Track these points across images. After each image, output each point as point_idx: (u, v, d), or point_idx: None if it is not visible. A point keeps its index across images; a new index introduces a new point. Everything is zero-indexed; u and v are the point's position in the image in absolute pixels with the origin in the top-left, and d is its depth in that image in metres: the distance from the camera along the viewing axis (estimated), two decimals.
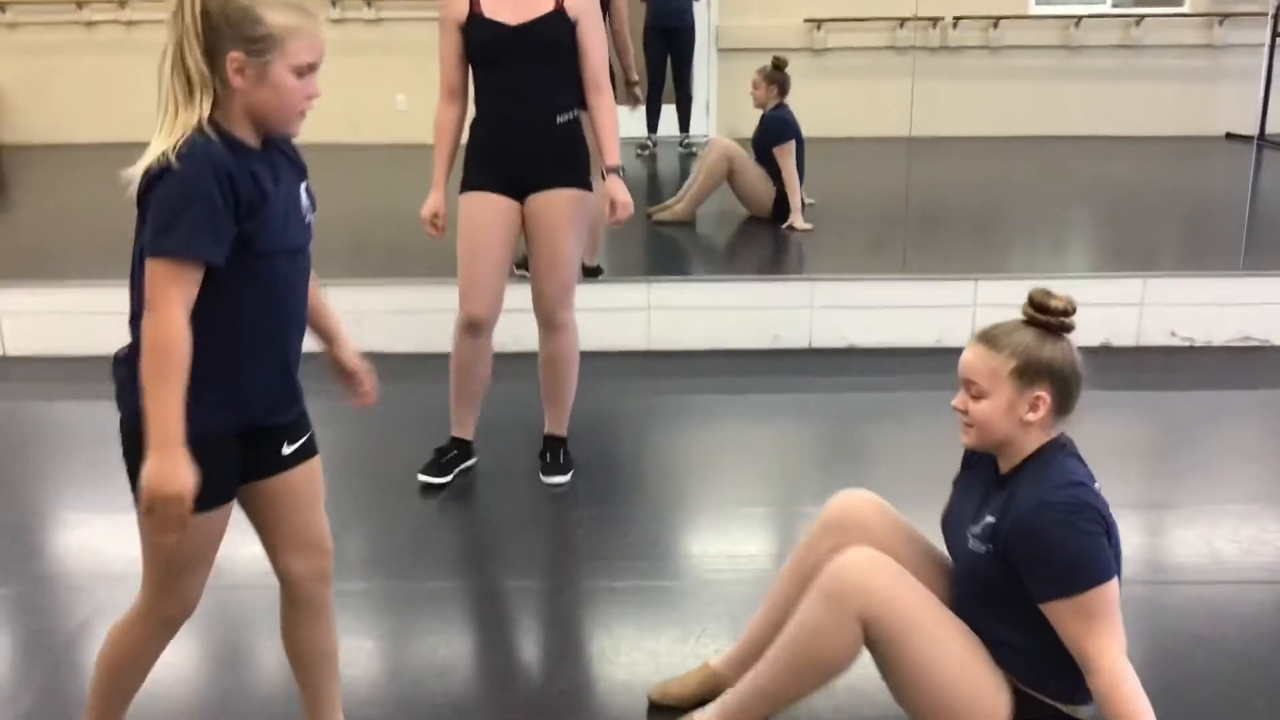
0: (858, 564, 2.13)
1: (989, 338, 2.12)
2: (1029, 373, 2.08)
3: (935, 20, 9.88)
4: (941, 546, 2.32)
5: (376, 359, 2.27)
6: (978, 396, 2.11)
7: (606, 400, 4.57)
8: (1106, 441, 4.10)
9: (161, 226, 1.77)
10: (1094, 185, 8.21)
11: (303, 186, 1.99)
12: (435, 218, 3.57)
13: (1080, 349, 2.13)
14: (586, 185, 3.59)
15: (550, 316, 3.63)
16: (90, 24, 10.16)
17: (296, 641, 2.17)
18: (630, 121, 9.42)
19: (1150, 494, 3.74)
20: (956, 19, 9.92)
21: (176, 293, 1.78)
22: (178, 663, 2.63)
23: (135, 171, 1.80)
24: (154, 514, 1.78)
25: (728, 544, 3.39)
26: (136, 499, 1.90)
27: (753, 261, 6.17)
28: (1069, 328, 2.11)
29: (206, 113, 1.81)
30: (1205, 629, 2.86)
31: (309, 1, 1.89)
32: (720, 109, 10.05)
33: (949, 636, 2.11)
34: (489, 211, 3.51)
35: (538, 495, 3.68)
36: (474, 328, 3.58)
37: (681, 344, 5.11)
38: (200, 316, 1.80)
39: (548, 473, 3.77)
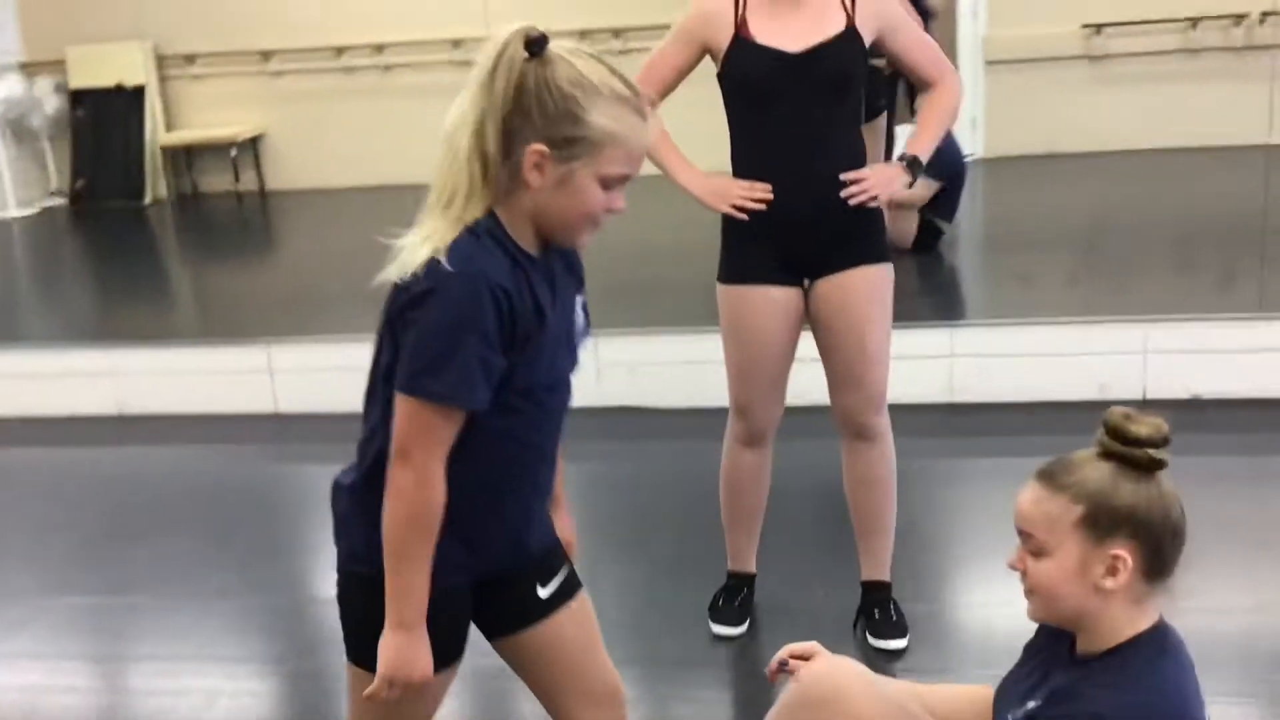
0: None
1: (1048, 474, 1.61)
2: (1102, 523, 1.55)
3: (1239, 18, 8.91)
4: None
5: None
6: (1036, 553, 1.60)
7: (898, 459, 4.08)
8: None
9: (426, 363, 1.46)
10: None
11: (579, 302, 1.65)
12: (749, 188, 2.69)
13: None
14: (888, 258, 2.85)
15: (861, 428, 2.91)
16: (349, 70, 10.35)
17: None
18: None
19: None
20: (1264, 15, 8.92)
21: (436, 443, 1.49)
22: None
23: (395, 271, 1.48)
24: (387, 694, 1.55)
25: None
26: (350, 653, 1.64)
27: (1069, 302, 5.45)
28: (1159, 463, 1.56)
29: (485, 206, 1.48)
30: None
31: (642, 100, 1.51)
32: (989, 125, 9.35)
33: None
34: (767, 310, 2.78)
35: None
36: (755, 440, 2.96)
37: (990, 396, 4.56)
38: None
39: (881, 635, 2.96)
